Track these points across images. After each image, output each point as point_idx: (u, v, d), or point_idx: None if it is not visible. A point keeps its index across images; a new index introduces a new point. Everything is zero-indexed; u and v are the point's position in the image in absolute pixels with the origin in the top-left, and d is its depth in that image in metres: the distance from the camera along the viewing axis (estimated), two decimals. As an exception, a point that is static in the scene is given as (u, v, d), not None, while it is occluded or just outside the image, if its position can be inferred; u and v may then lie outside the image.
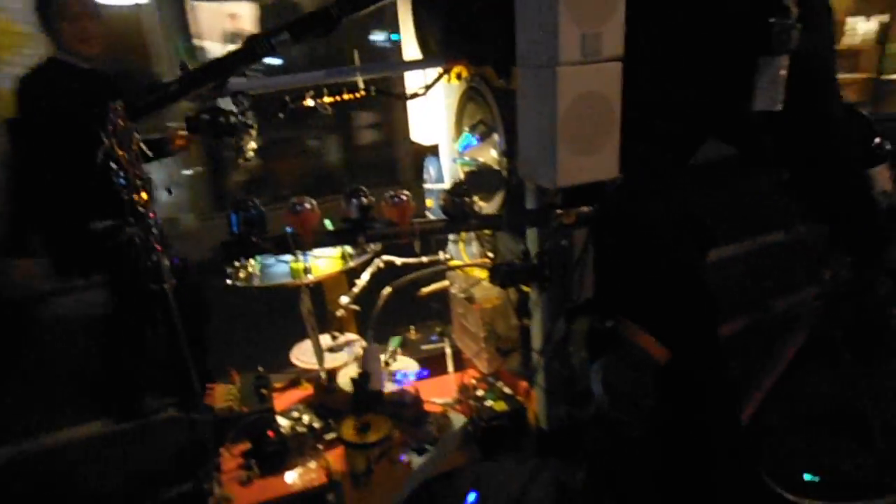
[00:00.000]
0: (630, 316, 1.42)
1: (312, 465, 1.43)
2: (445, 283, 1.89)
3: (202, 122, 1.41)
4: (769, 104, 1.27)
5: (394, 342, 1.85)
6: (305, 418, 1.49)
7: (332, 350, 1.67)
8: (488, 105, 1.52)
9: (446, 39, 1.52)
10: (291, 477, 1.40)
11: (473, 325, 1.66)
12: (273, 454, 1.43)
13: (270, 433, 1.46)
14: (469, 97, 1.63)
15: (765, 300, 1.73)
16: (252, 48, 1.22)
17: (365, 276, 1.74)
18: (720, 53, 1.26)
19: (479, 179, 1.50)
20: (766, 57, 1.24)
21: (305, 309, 1.60)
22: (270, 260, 1.77)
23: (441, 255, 1.87)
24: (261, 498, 1.35)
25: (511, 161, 1.46)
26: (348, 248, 1.77)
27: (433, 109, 1.89)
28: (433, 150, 1.91)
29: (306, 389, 1.75)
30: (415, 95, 1.58)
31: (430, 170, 1.90)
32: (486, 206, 1.61)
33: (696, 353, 1.47)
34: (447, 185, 1.85)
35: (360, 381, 1.50)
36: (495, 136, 1.56)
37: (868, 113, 1.45)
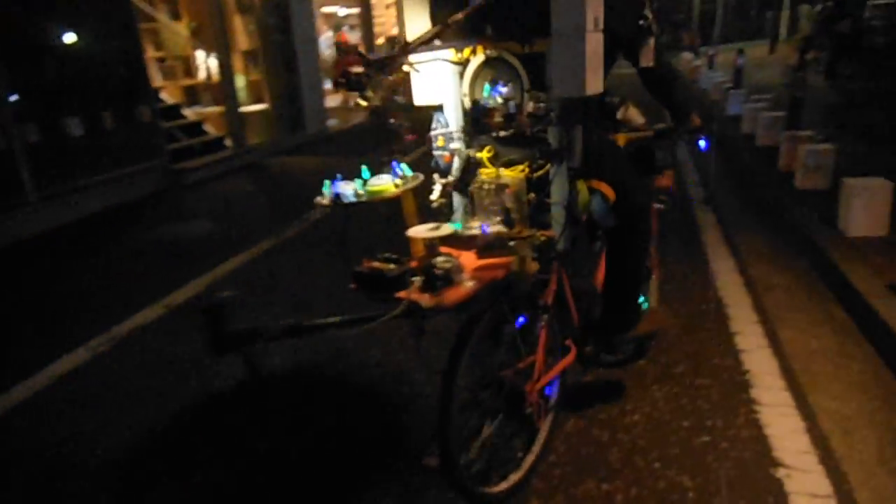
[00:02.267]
0: (597, 176, 2.70)
1: (467, 280, 2.33)
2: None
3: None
4: (648, 62, 2.68)
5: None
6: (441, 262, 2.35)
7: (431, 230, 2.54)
8: (510, 66, 2.60)
9: (474, 26, 2.55)
10: (466, 284, 2.28)
11: (508, 204, 2.70)
12: (443, 277, 2.28)
13: (435, 269, 2.30)
14: (486, 64, 2.69)
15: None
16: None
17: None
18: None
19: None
20: (640, 39, 2.65)
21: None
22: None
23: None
24: (459, 297, 2.22)
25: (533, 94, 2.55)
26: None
27: (429, 80, 2.87)
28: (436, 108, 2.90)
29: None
30: (461, 63, 2.59)
31: (440, 120, 2.87)
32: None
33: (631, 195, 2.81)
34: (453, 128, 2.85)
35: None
36: (507, 87, 2.65)
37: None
